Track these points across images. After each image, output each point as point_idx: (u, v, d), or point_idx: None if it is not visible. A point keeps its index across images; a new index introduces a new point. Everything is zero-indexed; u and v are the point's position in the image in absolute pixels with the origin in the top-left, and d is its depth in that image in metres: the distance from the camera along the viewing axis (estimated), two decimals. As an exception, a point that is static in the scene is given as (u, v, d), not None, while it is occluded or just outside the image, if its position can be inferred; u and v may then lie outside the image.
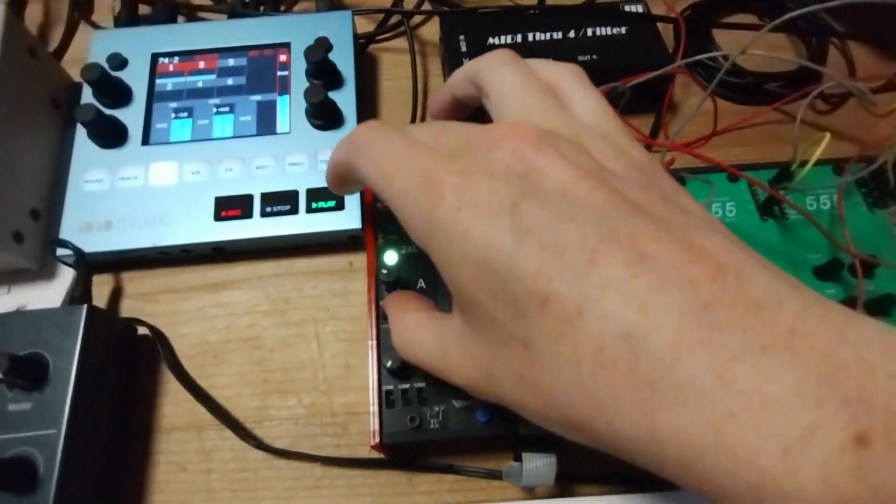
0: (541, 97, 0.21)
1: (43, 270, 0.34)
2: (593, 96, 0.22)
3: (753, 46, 0.36)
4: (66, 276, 0.34)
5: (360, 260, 0.35)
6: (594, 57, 0.38)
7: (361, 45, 0.43)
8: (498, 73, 0.22)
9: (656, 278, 0.14)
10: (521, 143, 0.18)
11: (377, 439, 0.27)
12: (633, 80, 0.30)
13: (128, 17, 0.42)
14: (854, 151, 0.35)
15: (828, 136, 0.29)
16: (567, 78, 0.22)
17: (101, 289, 0.34)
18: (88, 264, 0.33)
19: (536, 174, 0.17)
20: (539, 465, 0.26)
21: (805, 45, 0.43)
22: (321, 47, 0.36)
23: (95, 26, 0.44)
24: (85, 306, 0.29)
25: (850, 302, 0.29)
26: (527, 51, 0.38)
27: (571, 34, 0.39)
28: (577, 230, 0.16)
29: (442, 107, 0.28)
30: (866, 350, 0.13)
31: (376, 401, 0.28)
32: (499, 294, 0.17)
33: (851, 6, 0.28)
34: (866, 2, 0.26)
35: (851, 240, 0.31)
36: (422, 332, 0.22)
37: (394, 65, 0.43)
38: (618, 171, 0.18)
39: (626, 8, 0.40)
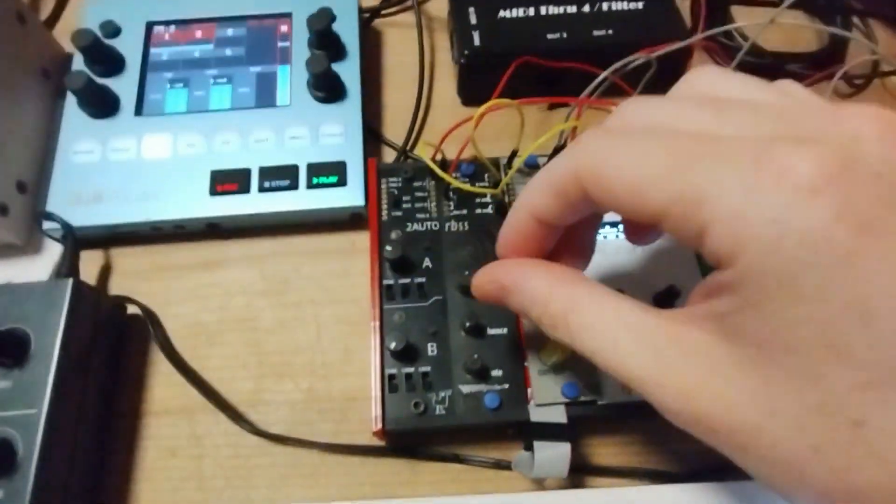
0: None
1: (29, 245, 0.33)
2: None
3: (769, 31, 0.35)
4: (53, 252, 0.33)
5: (362, 239, 0.33)
6: (610, 32, 0.36)
7: (366, 19, 0.42)
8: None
9: None
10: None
11: (379, 425, 0.25)
12: (657, 52, 0.28)
13: (122, -15, 0.40)
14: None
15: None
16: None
17: (89, 265, 0.33)
18: (76, 239, 0.31)
19: None
20: (552, 455, 0.24)
21: (824, 24, 0.42)
22: (325, 16, 0.35)
23: (90, -6, 0.42)
24: (70, 280, 0.27)
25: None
26: (539, 25, 0.37)
27: (586, 8, 0.37)
28: None
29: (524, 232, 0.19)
30: None
31: (378, 385, 0.26)
32: (856, 352, 0.11)
33: None
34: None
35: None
36: (610, 315, 0.16)
37: (399, 40, 0.42)
38: None
39: (644, -18, 0.39)
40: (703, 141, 0.14)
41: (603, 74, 0.26)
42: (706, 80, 0.17)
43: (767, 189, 0.12)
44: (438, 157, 0.31)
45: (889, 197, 0.12)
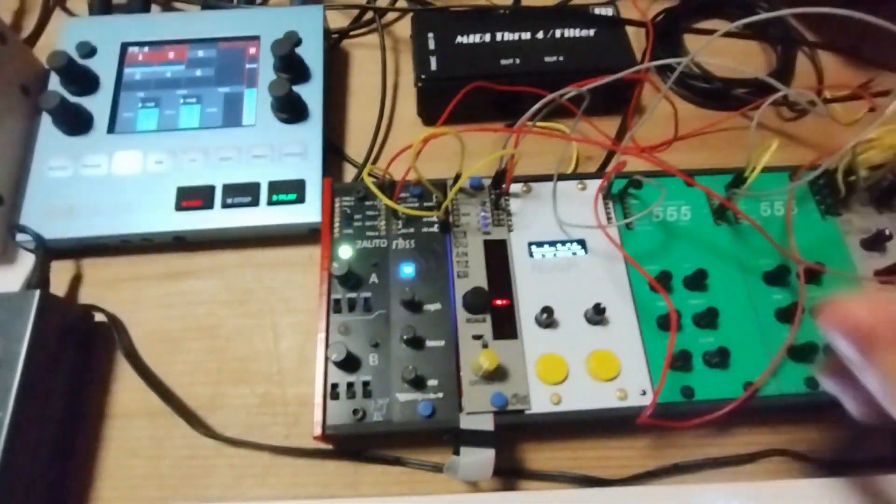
0: None
1: (4, 256, 0.35)
2: None
3: (719, 53, 0.37)
4: (27, 263, 0.34)
5: (320, 253, 0.35)
6: (560, 58, 0.38)
7: (335, 40, 0.44)
8: None
9: None
10: None
11: (319, 430, 0.27)
12: (593, 83, 0.30)
13: (101, 6, 0.42)
14: (816, 159, 0.35)
15: (776, 142, 0.29)
16: None
17: (61, 275, 0.35)
18: (48, 250, 0.33)
19: None
20: (476, 460, 0.26)
21: (775, 53, 0.44)
22: (288, 41, 0.37)
23: (70, 14, 0.44)
24: (37, 291, 0.29)
25: (793, 307, 0.30)
26: (494, 51, 0.39)
27: (540, 35, 0.39)
28: None
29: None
30: None
31: (321, 393, 0.28)
32: None
33: (825, 16, 0.28)
34: (827, 12, 0.26)
35: (801, 246, 0.31)
36: None
37: (366, 61, 0.44)
38: None
39: (597, 11, 0.41)
40: None
41: (536, 106, 0.28)
42: None
43: None
44: (388, 177, 0.33)
45: None
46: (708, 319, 0.30)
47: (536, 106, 0.28)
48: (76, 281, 0.35)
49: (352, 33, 0.44)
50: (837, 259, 0.32)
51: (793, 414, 0.31)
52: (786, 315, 0.30)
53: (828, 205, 0.34)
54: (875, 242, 0.32)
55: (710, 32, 0.44)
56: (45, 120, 0.36)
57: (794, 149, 0.40)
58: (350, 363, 0.29)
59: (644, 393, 0.29)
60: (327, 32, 0.41)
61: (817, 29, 0.45)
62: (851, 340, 0.19)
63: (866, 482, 0.28)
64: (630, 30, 0.41)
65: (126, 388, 0.33)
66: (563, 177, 0.34)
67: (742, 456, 0.31)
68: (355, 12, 0.44)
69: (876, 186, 0.33)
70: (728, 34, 0.45)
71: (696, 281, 0.31)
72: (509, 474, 0.30)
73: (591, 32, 0.40)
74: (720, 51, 0.44)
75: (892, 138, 0.30)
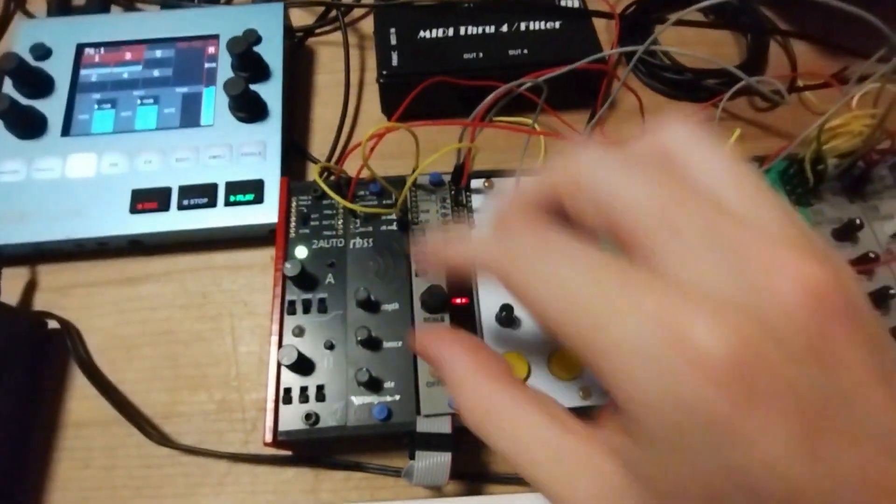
0: (784, 211, 0.14)
1: (-45, 262, 0.34)
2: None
3: (692, 43, 0.36)
4: (-22, 269, 0.34)
5: (280, 254, 0.35)
6: (525, 51, 0.38)
7: (299, 38, 0.43)
8: (702, 153, 0.15)
9: None
10: (825, 306, 0.12)
11: (270, 436, 0.26)
12: (551, 73, 0.29)
13: (59, 7, 0.41)
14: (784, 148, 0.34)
15: (738, 131, 0.29)
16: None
17: (13, 282, 0.34)
18: (-3, 256, 0.32)
19: (839, 364, 0.12)
20: (432, 464, 0.25)
21: (746, 43, 0.43)
22: (245, 39, 0.36)
23: (30, 16, 0.43)
24: (-19, 299, 0.28)
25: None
26: (457, 45, 0.38)
27: (504, 28, 0.39)
28: (879, 465, 0.12)
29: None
30: None
31: (273, 398, 0.27)
32: None
33: (796, 3, 0.27)
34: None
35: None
36: (530, 429, 0.16)
37: (331, 59, 0.43)
38: (888, 351, 0.13)
39: (562, 3, 0.40)
40: (624, 279, 0.13)
41: (490, 97, 0.28)
42: (673, 142, 0.15)
43: (668, 358, 0.12)
44: (342, 174, 0.33)
45: (789, 374, 0.11)
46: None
47: (490, 97, 0.28)
48: (30, 287, 0.34)
49: (317, 31, 0.44)
50: (807, 250, 0.31)
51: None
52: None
53: (798, 195, 0.33)
54: (846, 232, 0.31)
55: (682, 23, 0.43)
56: (-2, 124, 0.35)
57: (768, 139, 0.40)
58: (303, 366, 0.28)
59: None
60: (290, 30, 0.41)
61: (789, 17, 0.44)
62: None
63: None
64: (599, 23, 0.41)
65: (80, 397, 0.32)
66: (527, 171, 0.34)
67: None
68: (321, 10, 0.43)
69: (847, 175, 0.33)
70: (699, 24, 0.45)
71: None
72: (472, 478, 0.29)
73: (557, 25, 0.39)
74: (691, 41, 0.43)
75: (858, 124, 0.29)
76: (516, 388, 0.16)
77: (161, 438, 0.30)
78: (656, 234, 0.13)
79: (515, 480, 0.29)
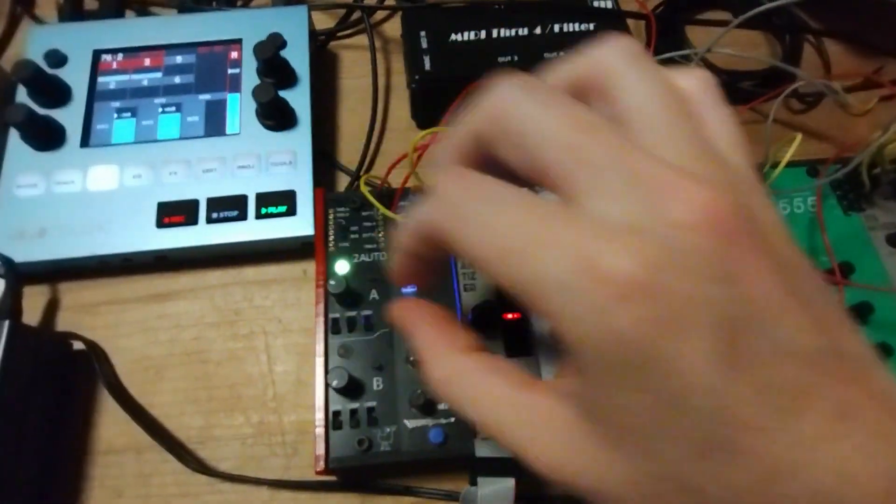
0: (698, 141, 0.15)
1: (-29, 282, 0.32)
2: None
3: (722, 44, 0.35)
4: (-4, 288, 0.32)
5: (314, 267, 0.33)
6: (561, 54, 0.36)
7: (321, 41, 0.42)
8: (631, 75, 0.15)
9: (862, 439, 0.12)
10: (721, 228, 0.13)
11: (322, 465, 0.25)
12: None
13: (72, 12, 0.39)
14: (829, 152, 0.34)
15: (799, 136, 0.28)
16: (705, 95, 0.16)
17: (34, 300, 0.32)
18: (18, 275, 0.30)
19: (743, 281, 0.13)
20: (496, 490, 0.24)
21: (780, 43, 0.42)
22: (272, 44, 0.34)
23: (39, 21, 0.41)
24: (7, 322, 0.26)
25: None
26: (491, 48, 0.37)
27: (538, 30, 0.37)
28: (794, 371, 0.12)
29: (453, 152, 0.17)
30: None
31: (322, 423, 0.26)
32: (678, 432, 0.13)
33: (825, 2, 0.26)
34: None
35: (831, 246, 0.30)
36: (491, 390, 0.16)
37: (355, 62, 0.41)
38: (802, 273, 0.14)
39: (596, 3, 0.39)
40: (547, 217, 0.14)
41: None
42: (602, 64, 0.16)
43: (585, 287, 0.12)
44: (386, 185, 0.31)
45: (695, 293, 0.12)
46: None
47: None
48: (51, 307, 0.33)
49: (339, 34, 0.42)
50: (864, 257, 0.30)
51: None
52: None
53: (850, 200, 0.32)
54: (901, 238, 0.30)
55: (712, 23, 0.42)
56: (13, 135, 0.33)
57: (807, 142, 0.39)
58: (352, 388, 0.26)
59: (669, 408, 0.27)
60: (313, 34, 0.39)
61: (820, 17, 0.44)
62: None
63: None
64: (630, 22, 0.40)
65: (109, 422, 0.30)
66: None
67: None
68: (339, 13, 0.42)
69: (898, 179, 0.32)
70: (727, 23, 0.44)
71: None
72: (527, 501, 0.28)
73: (591, 26, 0.38)
74: (724, 42, 0.42)
75: (919, 128, 0.29)
76: (478, 356, 0.17)
77: (198, 465, 0.29)
78: (572, 171, 0.14)
79: (571, 500, 0.28)
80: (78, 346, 0.31)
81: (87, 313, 0.33)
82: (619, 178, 0.13)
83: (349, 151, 0.38)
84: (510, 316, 0.28)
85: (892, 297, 0.29)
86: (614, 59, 0.16)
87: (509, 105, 0.15)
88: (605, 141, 0.14)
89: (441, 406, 0.26)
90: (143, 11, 0.42)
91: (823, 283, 0.14)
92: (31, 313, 0.31)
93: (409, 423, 0.26)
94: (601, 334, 0.13)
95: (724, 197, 0.13)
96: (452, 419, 0.26)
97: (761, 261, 0.13)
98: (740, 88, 0.40)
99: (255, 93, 0.33)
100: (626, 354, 0.12)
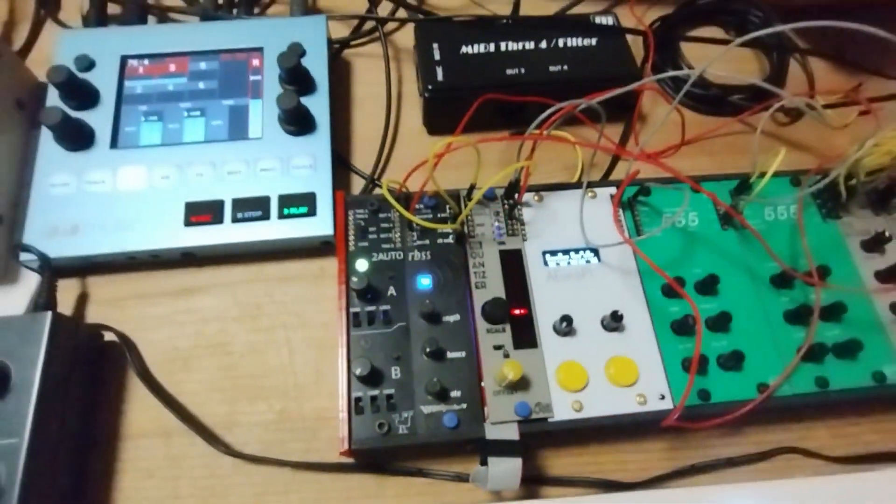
0: None
1: (6, 276, 0.34)
2: None
3: (715, 63, 0.38)
4: (30, 282, 0.34)
5: (331, 265, 0.35)
6: (565, 67, 0.39)
7: (336, 49, 0.44)
8: None
9: None
10: None
11: (346, 446, 0.27)
12: (607, 95, 0.30)
13: (96, 17, 0.41)
14: (811, 163, 0.36)
15: (783, 151, 0.30)
16: None
17: (67, 294, 0.34)
18: (53, 269, 0.32)
19: None
20: (505, 469, 0.26)
21: (768, 60, 0.45)
22: (294, 53, 0.36)
23: (62, 25, 0.43)
24: (49, 313, 0.28)
25: (804, 309, 0.31)
26: (499, 61, 0.39)
27: (543, 44, 0.40)
28: None
29: None
30: None
31: (346, 408, 0.28)
32: None
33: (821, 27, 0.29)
34: (826, 25, 0.27)
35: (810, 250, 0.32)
36: None
37: (368, 70, 0.43)
38: None
39: (597, 20, 0.41)
40: None
41: (547, 112, 0.29)
42: None
43: None
44: (404, 189, 0.33)
45: None
46: (721, 323, 0.31)
47: (549, 111, 0.29)
48: (83, 300, 0.34)
49: (352, 43, 0.44)
50: (840, 261, 0.33)
51: (803, 412, 0.32)
52: (794, 317, 0.31)
53: (828, 208, 0.35)
54: (875, 244, 0.33)
55: (706, 40, 0.45)
56: (46, 136, 0.35)
57: (791, 153, 0.42)
58: (373, 377, 0.29)
59: (663, 397, 0.29)
60: (329, 42, 0.41)
61: (806, 36, 0.46)
62: None
63: (878, 478, 0.29)
64: (627, 37, 0.42)
65: (139, 408, 0.32)
66: (572, 185, 0.35)
67: (755, 455, 0.32)
68: (353, 22, 0.44)
69: (873, 190, 0.34)
70: (720, 41, 0.46)
71: (708, 286, 0.32)
72: (531, 481, 0.31)
73: (593, 41, 0.40)
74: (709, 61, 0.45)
75: (892, 144, 0.31)
76: None
77: (225, 448, 0.31)
78: None
79: (574, 482, 0.31)
80: (108, 337, 0.33)
81: (115, 307, 0.34)
82: None
83: (363, 155, 0.40)
84: (518, 311, 0.31)
85: (863, 298, 0.32)
86: None
87: None
88: None
89: (454, 393, 0.29)
90: (164, 19, 0.44)
91: None
92: (64, 306, 0.33)
93: (425, 409, 0.28)
94: None
95: None
96: (465, 405, 0.28)
97: None
98: (731, 102, 0.42)
99: (280, 100, 0.35)
100: None
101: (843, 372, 0.30)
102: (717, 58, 0.31)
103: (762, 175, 0.31)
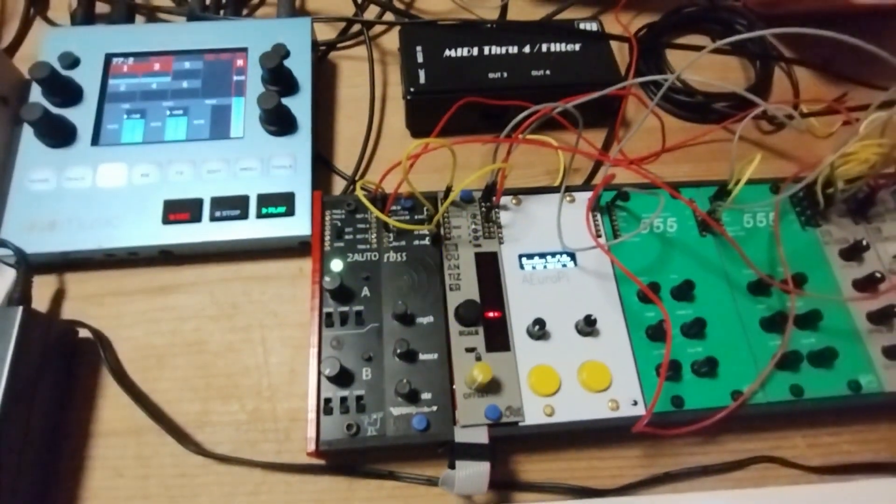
0: None
1: (-17, 270, 0.34)
2: None
3: (700, 67, 0.38)
4: (7, 277, 0.33)
5: (310, 266, 0.35)
6: (547, 72, 0.39)
7: (322, 52, 0.44)
8: None
9: None
10: None
11: (313, 446, 0.27)
12: (584, 98, 0.30)
13: (84, 16, 0.41)
14: (793, 171, 0.36)
15: (759, 156, 0.30)
16: None
17: (43, 290, 0.34)
18: (29, 265, 0.32)
19: None
20: (472, 473, 0.26)
21: (753, 68, 0.45)
22: (276, 54, 0.36)
23: (51, 23, 0.43)
24: (20, 308, 0.28)
25: (780, 316, 0.31)
26: (482, 64, 0.39)
27: (527, 49, 0.40)
28: None
29: None
30: None
31: (314, 408, 0.28)
32: None
33: (800, 34, 0.29)
34: (803, 32, 0.27)
35: (784, 257, 0.32)
36: None
37: (354, 72, 0.44)
38: None
39: (581, 26, 0.41)
40: None
41: (523, 114, 0.29)
42: None
43: None
44: (380, 190, 0.33)
45: None
46: (696, 329, 0.30)
47: (523, 114, 0.29)
48: (59, 296, 0.34)
49: (339, 45, 0.44)
50: (818, 269, 0.33)
51: (778, 421, 0.32)
52: (770, 324, 0.31)
53: (807, 216, 0.35)
54: (853, 252, 0.33)
55: (690, 48, 0.45)
56: (27, 132, 0.35)
57: (774, 161, 0.42)
58: (343, 377, 0.28)
59: (635, 403, 0.29)
60: (314, 44, 0.41)
61: (792, 45, 0.46)
62: None
63: (853, 487, 0.29)
64: (613, 44, 0.42)
65: (111, 406, 0.32)
66: (551, 189, 0.35)
67: (731, 463, 0.31)
68: (340, 24, 0.44)
69: (852, 198, 0.34)
70: (705, 49, 0.46)
71: (684, 291, 0.31)
72: (502, 486, 0.30)
73: (577, 47, 0.40)
74: (700, 66, 0.45)
75: (868, 153, 0.31)
76: None
77: (195, 447, 0.30)
78: None
79: (547, 488, 0.30)
80: (83, 333, 0.33)
81: (91, 303, 0.34)
82: None
83: (345, 157, 0.40)
84: (491, 314, 0.30)
85: (841, 306, 0.32)
86: None
87: None
88: None
89: (424, 395, 0.29)
90: (152, 18, 0.44)
91: None
92: (40, 302, 0.33)
93: (395, 411, 0.28)
94: None
95: None
96: (435, 408, 0.28)
97: None
98: (713, 109, 0.42)
99: (261, 100, 0.35)
100: None
101: (818, 380, 0.30)
102: (694, 61, 0.31)
103: (739, 180, 0.31)
